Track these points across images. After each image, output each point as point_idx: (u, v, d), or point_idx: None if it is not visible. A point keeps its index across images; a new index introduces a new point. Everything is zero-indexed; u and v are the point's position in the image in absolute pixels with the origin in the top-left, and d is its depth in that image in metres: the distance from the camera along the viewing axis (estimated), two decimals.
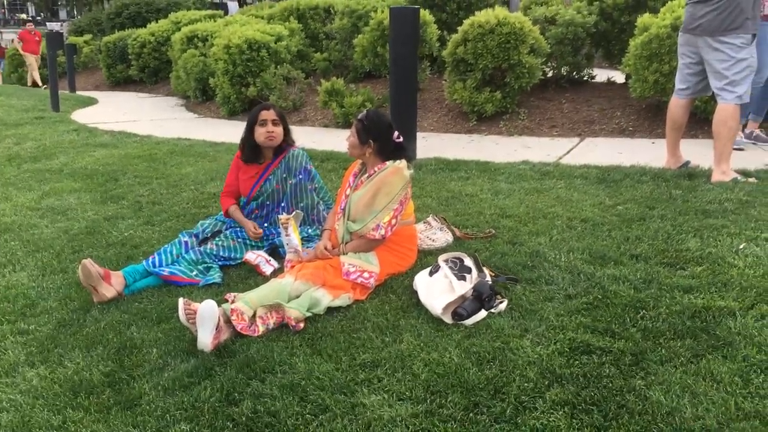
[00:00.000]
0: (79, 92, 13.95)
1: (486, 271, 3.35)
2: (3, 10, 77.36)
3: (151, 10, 18.30)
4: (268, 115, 4.01)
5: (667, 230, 3.81)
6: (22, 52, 16.75)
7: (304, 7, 11.27)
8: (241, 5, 19.61)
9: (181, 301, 3.05)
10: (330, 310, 3.19)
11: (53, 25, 19.16)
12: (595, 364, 2.56)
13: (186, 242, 3.93)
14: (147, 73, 14.93)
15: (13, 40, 17.34)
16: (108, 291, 3.53)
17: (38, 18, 67.64)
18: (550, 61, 8.24)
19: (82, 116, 10.15)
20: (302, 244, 3.68)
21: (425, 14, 8.73)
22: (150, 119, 10.06)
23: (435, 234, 3.95)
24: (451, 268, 3.31)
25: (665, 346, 2.65)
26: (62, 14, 62.70)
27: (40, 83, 16.69)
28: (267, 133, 3.99)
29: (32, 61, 16.64)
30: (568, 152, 6.35)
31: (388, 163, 3.56)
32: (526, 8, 9.90)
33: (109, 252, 4.23)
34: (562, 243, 3.77)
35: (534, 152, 6.34)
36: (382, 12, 8.94)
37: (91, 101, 12.53)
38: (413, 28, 5.65)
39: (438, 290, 3.17)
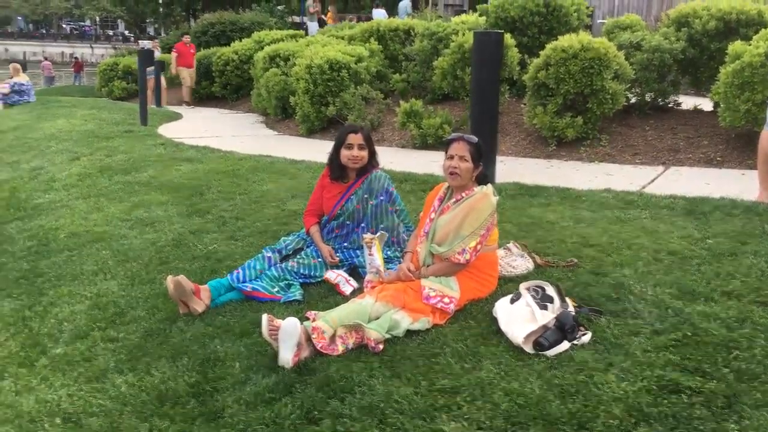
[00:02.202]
0: (165, 107, 14.50)
1: (569, 301, 3.29)
2: (94, 27, 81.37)
3: (236, 29, 18.88)
4: (355, 139, 4.08)
5: (761, 267, 3.65)
6: (175, 67, 15.99)
7: (384, 29, 11.41)
8: (321, 25, 20.00)
9: (264, 317, 3.11)
10: (409, 333, 3.19)
11: (145, 43, 19.94)
12: (685, 405, 2.47)
13: (269, 258, 4.02)
14: (229, 89, 15.40)
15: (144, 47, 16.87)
16: (199, 305, 3.64)
17: (128, 35, 70.81)
18: (634, 87, 8.07)
19: (168, 131, 10.54)
20: (384, 265, 3.70)
21: (507, 38, 8.70)
22: (232, 135, 10.36)
23: (515, 261, 3.90)
24: (533, 296, 3.26)
25: (761, 389, 2.53)
26: (150, 31, 65.46)
27: (189, 100, 15.96)
28: (352, 156, 4.07)
29: (186, 75, 15.92)
30: (653, 181, 6.19)
31: (476, 188, 3.55)
32: (608, 33, 9.74)
33: (194, 265, 4.36)
34: (649, 276, 3.66)
35: (616, 180, 6.20)
36: (464, 35, 8.97)
37: (177, 116, 13.00)
38: (496, 52, 5.65)
39: (519, 318, 3.12)
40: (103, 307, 3.94)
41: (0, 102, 14.27)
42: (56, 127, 10.41)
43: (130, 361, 3.34)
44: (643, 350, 2.89)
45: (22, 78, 14.84)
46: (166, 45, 21.01)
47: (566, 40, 7.56)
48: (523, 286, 3.37)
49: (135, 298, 3.99)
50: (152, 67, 15.10)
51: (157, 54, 15.88)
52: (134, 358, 3.36)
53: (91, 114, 12.00)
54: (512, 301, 3.27)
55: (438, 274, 3.46)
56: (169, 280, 3.64)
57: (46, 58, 34.11)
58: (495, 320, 3.24)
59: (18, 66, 15.26)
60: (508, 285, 3.65)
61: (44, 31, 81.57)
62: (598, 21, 15.63)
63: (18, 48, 74.48)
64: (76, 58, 32.65)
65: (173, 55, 15.96)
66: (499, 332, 3.15)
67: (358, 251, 4.05)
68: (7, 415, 3.08)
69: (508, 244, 4.03)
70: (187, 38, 16.53)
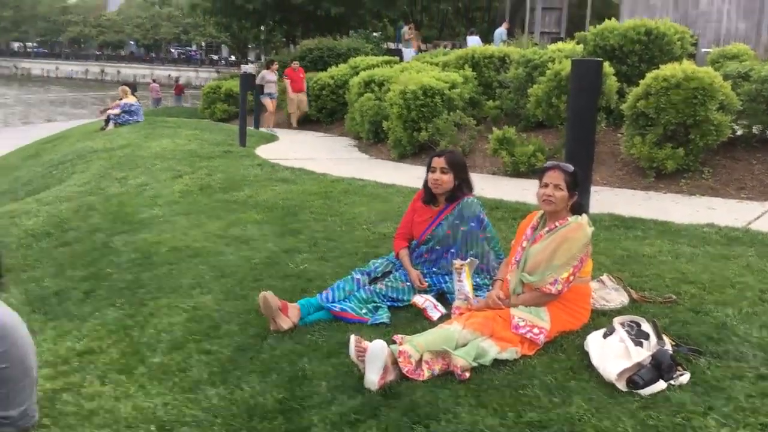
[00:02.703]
0: (263, 129, 14.98)
1: (666, 339, 3.16)
2: (200, 51, 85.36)
3: (332, 55, 19.35)
4: (438, 162, 4.12)
5: None
6: (289, 92, 15.75)
7: (479, 56, 11.42)
8: (418, 51, 20.23)
9: (352, 338, 3.15)
10: (496, 362, 3.15)
11: (247, 67, 20.71)
12: None
13: (358, 280, 4.07)
14: (324, 113, 15.78)
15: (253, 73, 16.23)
16: (285, 322, 3.72)
17: (231, 59, 73.86)
18: (741, 118, 7.72)
19: (265, 152, 10.89)
20: (473, 291, 3.68)
21: (605, 66, 8.52)
22: (326, 158, 10.59)
23: (609, 294, 3.79)
24: (627, 332, 3.16)
25: None
26: (251, 56, 68.07)
27: (295, 123, 15.91)
28: (433, 179, 4.11)
29: (294, 98, 15.78)
30: (759, 217, 5.88)
31: (570, 218, 3.49)
32: (713, 62, 9.39)
33: (286, 283, 4.46)
34: (754, 317, 3.47)
35: (719, 215, 5.92)
36: (560, 63, 8.86)
37: (273, 138, 13.41)
38: (595, 80, 5.54)
39: (612, 354, 3.03)
40: (199, 320, 4.09)
41: (111, 122, 15.13)
42: (161, 146, 10.93)
43: (222, 374, 3.45)
44: (746, 395, 2.74)
45: (132, 99, 15.69)
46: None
47: (668, 69, 7.34)
48: (617, 321, 3.27)
49: (229, 313, 4.12)
50: (271, 91, 15.56)
51: (273, 77, 15.84)
52: (226, 371, 3.46)
53: (193, 134, 12.55)
54: (605, 336, 3.17)
55: (528, 304, 3.40)
56: (260, 297, 3.74)
57: (154, 81, 36.01)
58: (586, 354, 3.15)
59: (127, 88, 16.15)
60: (601, 319, 3.55)
61: (154, 56, 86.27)
62: (703, 50, 15.08)
63: (129, 70, 79.08)
64: (177, 80, 34.27)
65: (286, 80, 15.91)
66: (590, 367, 3.06)
67: (447, 277, 4.04)
68: (107, 420, 3.24)
69: (601, 277, 3.92)
70: (295, 64, 16.48)
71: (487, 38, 22.90)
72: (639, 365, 2.93)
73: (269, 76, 15.95)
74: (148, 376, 3.59)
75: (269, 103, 15.78)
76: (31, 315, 4.65)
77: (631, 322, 3.27)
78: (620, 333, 3.15)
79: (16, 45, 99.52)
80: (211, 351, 3.71)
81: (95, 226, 6.61)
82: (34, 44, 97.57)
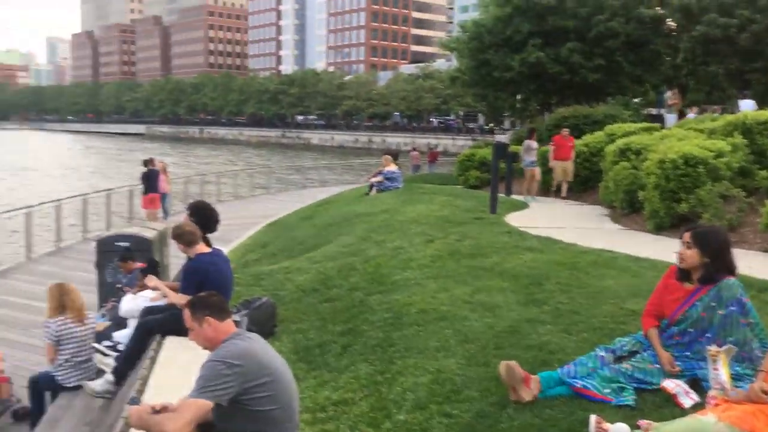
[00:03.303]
0: (513, 196, 15.17)
1: None
2: (458, 120, 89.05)
3: (588, 122, 19.10)
4: (685, 236, 3.95)
5: None
6: (551, 160, 15.51)
7: (751, 122, 10.53)
8: (680, 117, 19.17)
9: (593, 418, 3.08)
10: None
11: (499, 136, 21.24)
12: None
13: (602, 357, 3.95)
14: (577, 181, 15.54)
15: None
16: (526, 393, 3.74)
17: (486, 127, 76.00)
18: None
19: (514, 219, 11.01)
20: (731, 381, 3.39)
21: None
22: (575, 227, 10.40)
23: None
24: None
25: None
26: (506, 124, 69.42)
27: (564, 192, 15.37)
28: (678, 253, 3.91)
29: (560, 169, 15.35)
30: None
31: None
32: None
33: (528, 354, 4.48)
34: None
35: None
36: None
37: (524, 206, 13.51)
38: None
39: None
40: (442, 383, 4.26)
41: (374, 188, 16.40)
42: (417, 211, 11.58)
43: None
44: None
45: (393, 167, 16.89)
46: (519, 138, 22.11)
47: None
48: None
49: (470, 378, 4.24)
50: (532, 158, 15.42)
51: (535, 145, 15.81)
52: None
53: (447, 200, 13.12)
54: None
55: None
56: (502, 365, 3.81)
57: (414, 149, 38.29)
58: None
59: (390, 157, 17.44)
60: None
61: (415, 125, 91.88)
62: None
63: (393, 139, 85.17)
64: (431, 148, 35.90)
65: (551, 147, 15.67)
66: None
67: (701, 363, 3.76)
68: None
69: None
70: (565, 131, 15.93)
71: (764, 101, 20.96)
72: None
73: (532, 144, 15.81)
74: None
75: (532, 172, 15.47)
76: (296, 363, 5.20)
77: None
78: None
79: (299, 118, 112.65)
80: (451, 414, 3.84)
81: (355, 285, 7.19)
82: (314, 117, 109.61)
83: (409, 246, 8.74)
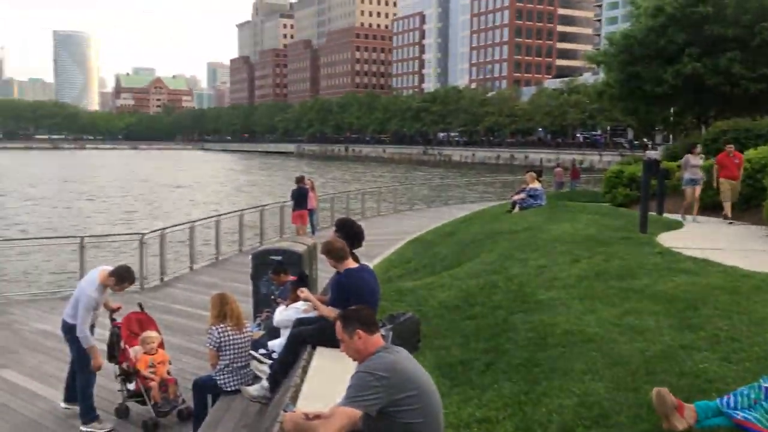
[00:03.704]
0: (666, 215, 14.42)
1: None
2: (604, 135, 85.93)
3: (750, 136, 17.78)
4: None
5: None
6: (715, 179, 14.08)
7: None
8: None
9: None
10: None
11: (651, 153, 20.21)
12: None
13: (766, 388, 3.70)
14: (738, 200, 14.52)
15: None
16: (680, 423, 3.58)
17: (635, 143, 72.75)
18: None
19: (666, 240, 10.48)
20: None
21: None
22: (736, 249, 9.74)
23: None
24: None
25: None
26: (658, 139, 66.10)
27: (728, 213, 13.87)
28: None
29: (726, 188, 13.83)
30: None
31: None
32: None
33: (682, 381, 4.27)
34: None
35: None
36: None
37: (677, 225, 12.81)
38: None
39: None
40: (589, 407, 4.17)
41: (517, 206, 16.23)
42: (561, 229, 11.33)
43: None
44: None
45: (537, 184, 16.65)
46: (672, 153, 21.02)
47: None
48: None
49: (619, 404, 4.11)
50: (694, 177, 14.24)
51: (697, 161, 14.64)
52: None
53: (593, 219, 12.72)
54: None
55: None
56: (654, 392, 3.67)
57: (558, 165, 37.38)
58: None
59: (534, 174, 17.20)
60: None
61: (560, 141, 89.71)
62: None
63: (536, 155, 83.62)
64: (574, 165, 34.78)
65: (714, 166, 14.23)
66: None
67: None
68: None
69: None
70: (730, 148, 14.42)
71: None
72: None
73: (693, 160, 14.64)
74: None
75: (692, 190, 14.33)
76: (439, 379, 5.26)
77: None
78: None
79: (441, 135, 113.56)
80: None
81: (497, 303, 7.17)
82: (456, 133, 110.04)
83: (553, 265, 8.58)
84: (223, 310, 6.48)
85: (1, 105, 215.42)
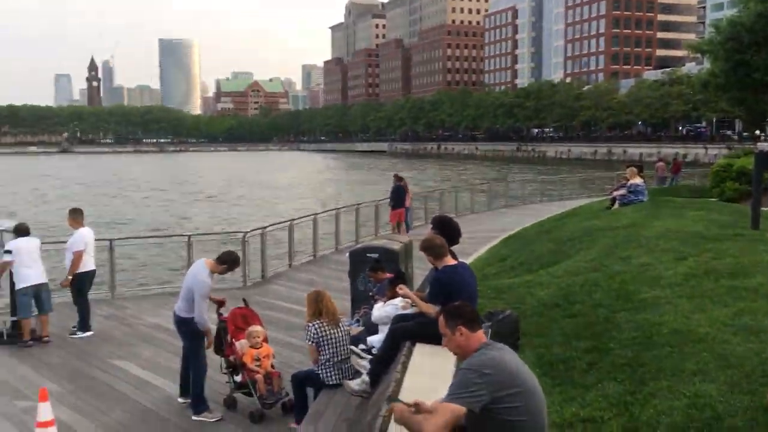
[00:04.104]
0: None
1: None
2: (709, 128, 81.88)
3: None
4: None
5: None
6: None
7: None
8: None
9: None
10: None
11: (764, 145, 19.05)
12: None
13: None
14: None
15: None
16: None
17: (745, 134, 68.93)
18: None
19: None
20: None
21: None
22: None
23: None
24: None
25: None
26: None
27: None
28: None
29: None
30: None
31: None
32: None
33: None
34: None
35: None
36: None
37: None
38: None
39: None
40: (701, 408, 4.02)
41: (617, 201, 15.73)
42: (665, 226, 10.91)
43: None
44: None
45: (638, 180, 16.08)
46: None
47: None
48: None
49: (734, 406, 3.95)
50: None
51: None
52: None
53: (699, 215, 12.18)
54: None
55: None
56: None
57: (660, 159, 35.94)
58: None
59: (635, 169, 16.63)
60: None
61: (661, 134, 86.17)
62: None
63: (635, 150, 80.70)
64: (676, 159, 33.18)
65: None
66: None
67: None
68: None
69: None
70: None
71: None
72: None
73: None
74: None
75: None
76: (540, 377, 5.18)
77: None
78: None
79: (535, 131, 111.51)
80: None
81: (598, 301, 7.00)
82: (550, 129, 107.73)
83: (657, 263, 8.29)
84: (318, 307, 6.63)
85: (112, 111, 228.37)
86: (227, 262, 6.85)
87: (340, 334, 6.68)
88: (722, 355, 4.75)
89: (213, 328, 7.04)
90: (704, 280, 7.07)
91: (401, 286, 6.24)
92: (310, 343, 6.60)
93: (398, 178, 19.13)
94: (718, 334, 5.21)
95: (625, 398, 4.45)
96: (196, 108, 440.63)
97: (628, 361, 5.12)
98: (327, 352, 6.55)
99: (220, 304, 7.24)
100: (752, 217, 10.96)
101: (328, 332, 6.57)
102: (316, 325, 6.55)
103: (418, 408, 3.44)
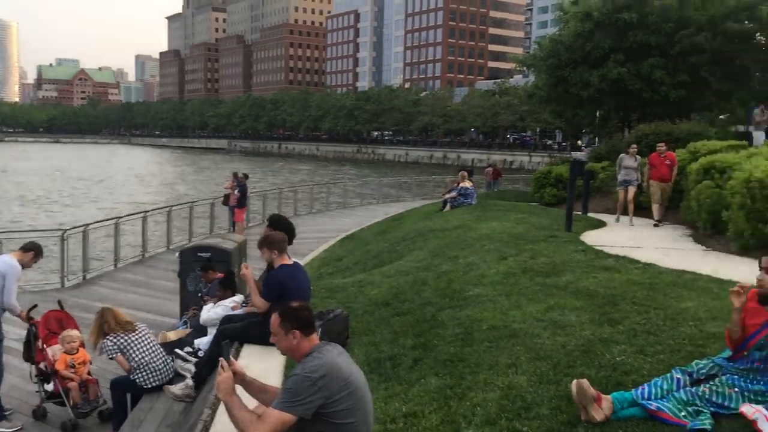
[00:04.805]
0: (590, 214, 14.88)
1: None
2: (534, 137, 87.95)
3: (670, 140, 18.50)
4: (764, 260, 3.88)
5: None
6: (647, 179, 13.50)
7: None
8: None
9: None
10: None
11: (577, 154, 20.78)
12: None
13: (678, 379, 3.87)
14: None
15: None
16: (597, 413, 3.71)
17: (564, 144, 74.73)
18: None
19: (590, 238, 10.82)
20: None
21: None
22: (655, 247, 10.14)
23: None
24: None
25: None
26: (583, 141, 68.05)
27: (658, 218, 13.22)
28: (758, 279, 3.82)
29: (655, 190, 13.27)
30: None
31: None
32: None
33: (600, 373, 4.42)
34: None
35: None
36: None
37: (600, 224, 13.24)
38: None
39: None
40: (512, 399, 4.26)
41: (449, 204, 16.44)
42: (491, 228, 11.54)
43: None
44: None
45: (468, 184, 16.91)
46: (597, 155, 21.70)
47: None
48: None
49: (541, 396, 4.22)
50: (628, 178, 13.74)
51: (631, 162, 14.32)
52: None
53: (521, 218, 13.02)
54: None
55: None
56: (574, 384, 3.78)
57: (489, 165, 38.05)
58: None
59: (465, 174, 17.48)
60: None
61: (491, 141, 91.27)
62: None
63: (468, 155, 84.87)
64: (494, 165, 35.29)
65: (646, 166, 13.79)
66: None
67: None
68: None
69: None
70: (661, 147, 13.77)
71: None
72: None
73: (627, 161, 14.16)
74: None
75: (621, 193, 14.00)
76: (368, 375, 5.25)
77: None
78: None
79: (375, 134, 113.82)
80: (521, 431, 3.84)
81: (426, 299, 7.24)
82: (389, 133, 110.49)
83: (481, 262, 8.73)
84: (102, 323, 6.40)
85: None
86: (33, 249, 6.54)
87: (139, 337, 6.44)
88: (533, 349, 5.08)
89: (16, 343, 6.54)
90: (521, 278, 7.55)
91: (245, 264, 6.13)
92: (115, 355, 6.34)
93: (243, 177, 18.80)
94: (530, 329, 5.57)
95: (445, 392, 4.63)
96: (12, 95, 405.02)
97: (450, 356, 5.33)
98: (136, 356, 6.28)
99: (30, 308, 6.70)
100: (566, 220, 11.88)
101: (127, 339, 6.33)
102: (111, 337, 6.31)
103: (243, 381, 3.40)
